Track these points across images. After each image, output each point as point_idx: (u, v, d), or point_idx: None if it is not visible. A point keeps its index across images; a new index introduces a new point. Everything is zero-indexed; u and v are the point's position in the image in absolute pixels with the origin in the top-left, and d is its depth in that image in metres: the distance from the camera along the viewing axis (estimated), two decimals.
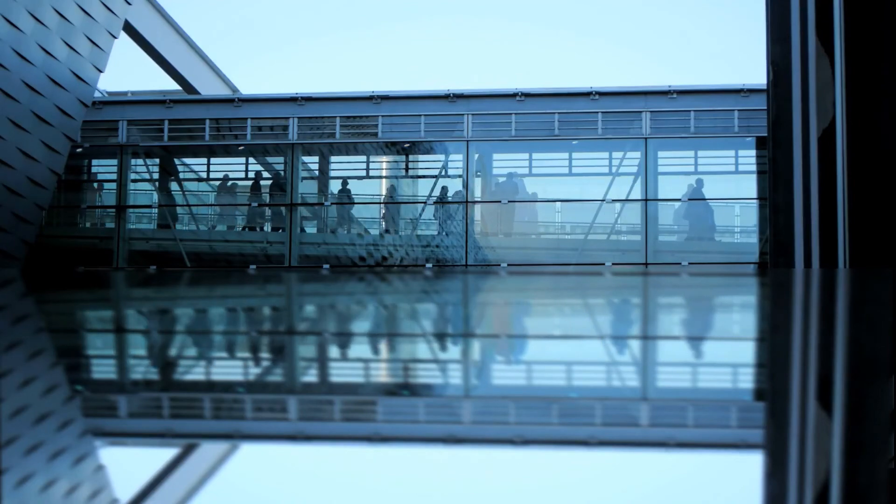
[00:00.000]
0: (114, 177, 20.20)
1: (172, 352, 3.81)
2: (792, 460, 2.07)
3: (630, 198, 18.92)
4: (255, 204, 20.52)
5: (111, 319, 5.05)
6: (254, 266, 19.71)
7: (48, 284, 7.57)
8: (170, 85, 23.82)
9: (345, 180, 20.11)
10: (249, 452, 2.19)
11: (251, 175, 20.80)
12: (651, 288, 6.86)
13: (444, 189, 19.60)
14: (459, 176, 19.31)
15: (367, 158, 20.35)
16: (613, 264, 18.55)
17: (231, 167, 20.86)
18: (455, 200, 19.34)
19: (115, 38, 18.81)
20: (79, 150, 19.47)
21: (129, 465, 2.09)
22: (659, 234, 19.14)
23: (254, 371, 3.39)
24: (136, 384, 3.06)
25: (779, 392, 2.78)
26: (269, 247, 19.99)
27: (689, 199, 18.97)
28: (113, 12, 18.50)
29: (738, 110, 18.39)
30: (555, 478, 1.96)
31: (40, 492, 1.84)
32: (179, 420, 2.55)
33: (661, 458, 2.14)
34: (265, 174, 20.44)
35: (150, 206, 20.66)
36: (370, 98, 19.38)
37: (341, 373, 3.37)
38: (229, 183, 20.65)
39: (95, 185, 21.20)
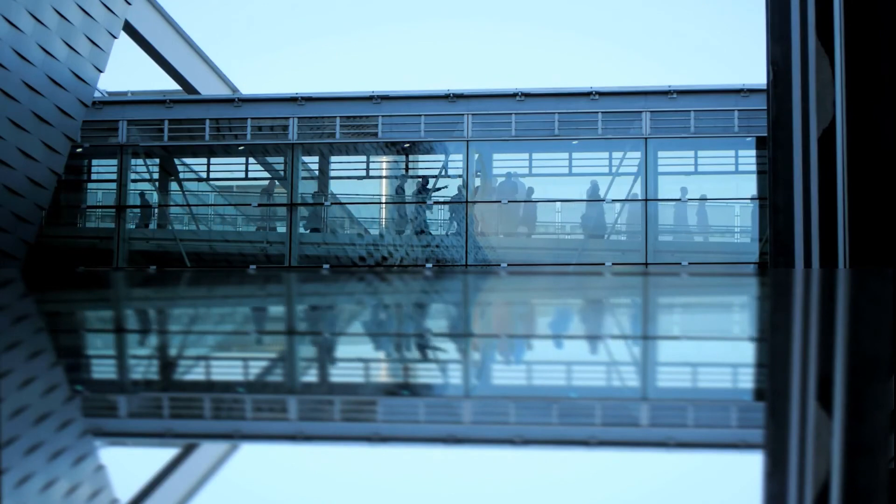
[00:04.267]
0: (114, 177, 20.21)
1: (172, 352, 3.81)
2: (792, 460, 2.07)
3: (630, 197, 18.93)
4: (255, 204, 20.51)
5: (111, 319, 5.05)
6: (254, 266, 19.71)
7: (48, 284, 7.57)
8: (170, 85, 23.82)
9: (425, 178, 19.88)
10: (249, 452, 2.19)
11: (251, 174, 20.82)
12: (651, 288, 6.85)
13: (425, 179, 19.57)
14: (459, 176, 19.31)
15: (367, 158, 20.34)
16: (613, 264, 18.55)
17: (231, 167, 20.87)
18: (454, 200, 19.35)
19: (115, 38, 18.81)
20: (79, 150, 19.46)
21: (129, 465, 2.09)
22: (659, 234, 19.14)
23: (254, 371, 3.39)
24: (136, 384, 3.06)
25: (779, 392, 2.78)
26: (268, 247, 19.98)
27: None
28: (113, 12, 18.50)
29: (738, 110, 18.39)
30: (555, 478, 1.96)
31: (40, 492, 1.84)
32: (179, 420, 2.55)
33: (661, 458, 2.14)
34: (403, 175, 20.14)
35: (149, 206, 20.66)
36: (370, 98, 19.37)
37: (341, 373, 3.37)
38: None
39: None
